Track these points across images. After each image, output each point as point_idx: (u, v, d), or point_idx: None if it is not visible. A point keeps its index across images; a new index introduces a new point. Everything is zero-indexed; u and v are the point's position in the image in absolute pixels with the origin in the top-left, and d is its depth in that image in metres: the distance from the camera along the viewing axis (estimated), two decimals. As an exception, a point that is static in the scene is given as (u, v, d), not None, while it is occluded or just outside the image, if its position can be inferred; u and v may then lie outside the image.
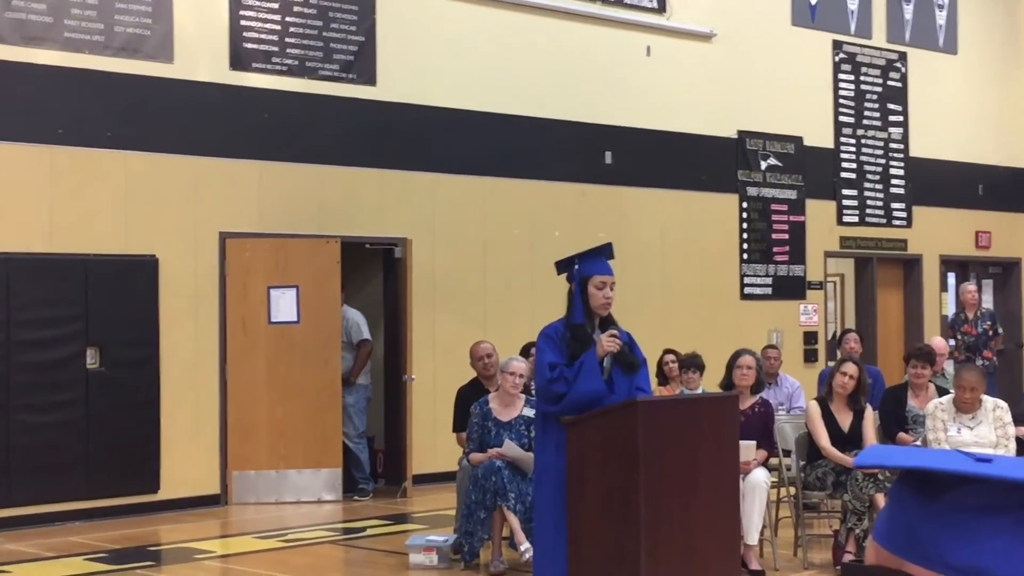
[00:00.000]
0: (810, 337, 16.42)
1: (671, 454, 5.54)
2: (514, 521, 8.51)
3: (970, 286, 15.74)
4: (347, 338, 12.41)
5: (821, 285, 16.66)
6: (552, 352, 6.01)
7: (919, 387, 9.66)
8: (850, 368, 8.93)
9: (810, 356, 16.34)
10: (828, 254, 16.77)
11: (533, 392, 9.42)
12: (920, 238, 17.78)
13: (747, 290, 15.82)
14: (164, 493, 11.43)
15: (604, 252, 6.21)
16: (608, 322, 6.10)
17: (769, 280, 16.02)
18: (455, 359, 12.62)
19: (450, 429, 10.33)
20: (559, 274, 6.25)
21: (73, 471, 10.92)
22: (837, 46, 16.92)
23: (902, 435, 9.50)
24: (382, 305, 13.26)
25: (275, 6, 12.17)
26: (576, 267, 6.11)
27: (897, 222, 17.54)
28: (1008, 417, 8.79)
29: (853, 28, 17.09)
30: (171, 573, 9.10)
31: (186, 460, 11.57)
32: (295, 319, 12.00)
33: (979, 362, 13.93)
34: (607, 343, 5.92)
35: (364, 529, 10.71)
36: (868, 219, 17.18)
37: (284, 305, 11.99)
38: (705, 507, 5.62)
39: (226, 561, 9.60)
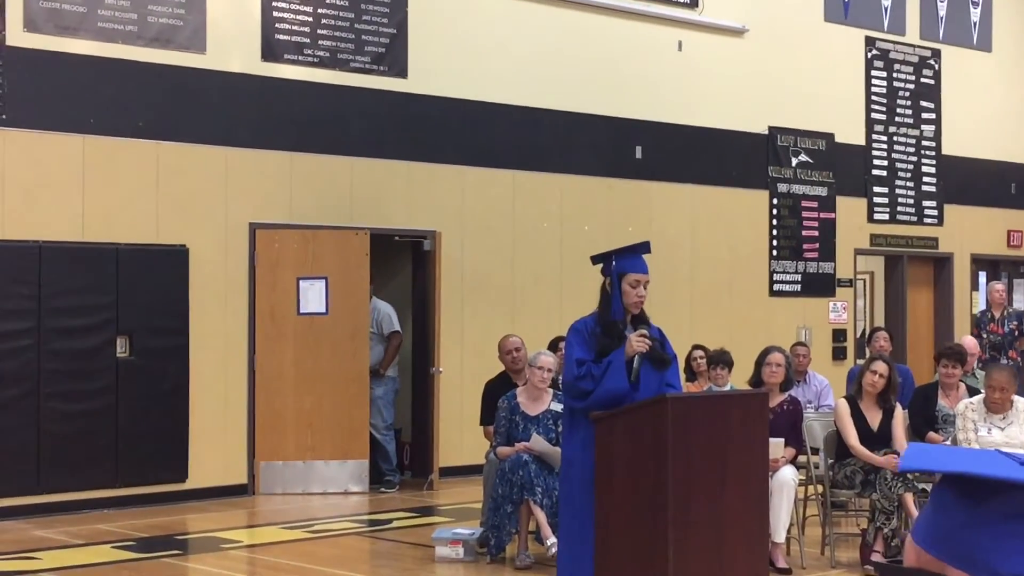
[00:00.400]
0: (839, 335, 16.36)
1: (700, 451, 5.53)
2: (541, 515, 8.51)
3: (998, 285, 15.65)
4: (377, 330, 12.43)
5: (851, 282, 16.60)
6: (581, 348, 5.99)
7: (949, 386, 9.61)
8: (880, 367, 8.89)
9: (839, 354, 16.28)
10: (858, 251, 16.70)
11: (560, 386, 9.44)
12: (951, 236, 17.69)
13: (776, 287, 15.77)
14: (192, 482, 11.48)
15: (641, 249, 6.20)
16: (640, 319, 6.09)
17: (799, 277, 15.96)
18: (483, 352, 12.63)
19: (477, 422, 10.33)
20: (595, 265, 6.23)
21: (102, 459, 10.97)
22: (870, 42, 16.83)
23: (932, 434, 9.45)
24: (410, 297, 13.27)
25: (307, -2, 12.19)
26: (613, 263, 6.09)
27: (928, 220, 17.45)
28: (1039, 418, 8.73)
29: (886, 24, 17.01)
30: (198, 562, 9.13)
31: (214, 450, 11.62)
32: (324, 310, 12.02)
33: (1004, 361, 13.85)
34: (636, 343, 5.91)
35: (390, 521, 10.73)
36: (899, 217, 17.10)
37: (313, 296, 12.01)
38: (734, 504, 5.60)
39: (253, 551, 9.62)
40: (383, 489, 12.27)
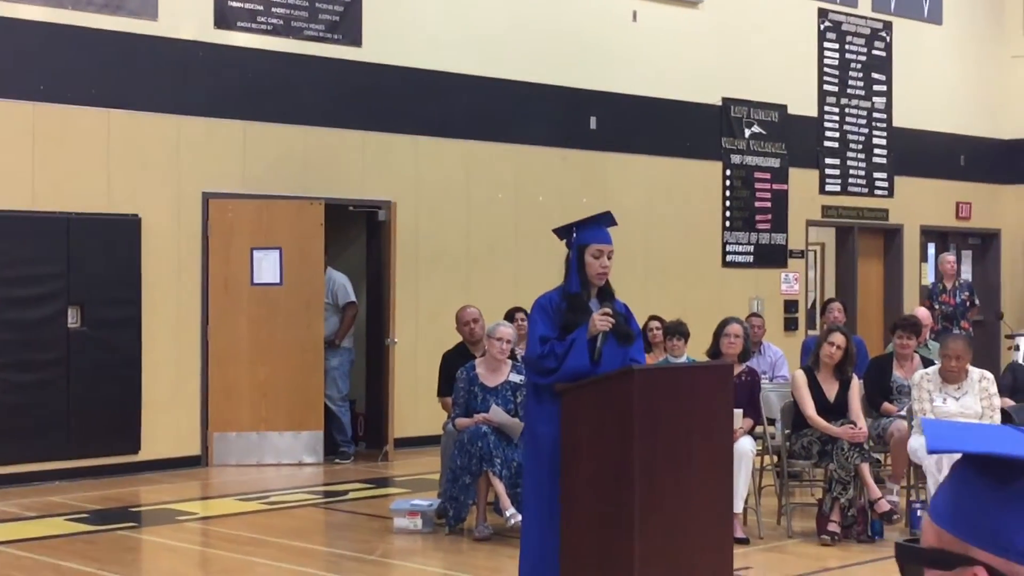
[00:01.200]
0: (790, 306, 16.45)
1: (666, 422, 5.53)
2: (500, 486, 8.50)
3: (949, 256, 15.79)
4: (332, 300, 12.37)
5: (803, 254, 16.68)
6: (544, 324, 5.94)
7: (904, 357, 9.68)
8: (838, 338, 8.93)
9: (790, 324, 16.37)
10: (810, 223, 16.78)
11: (519, 358, 9.42)
12: (901, 208, 17.80)
13: (729, 258, 15.82)
14: (145, 454, 11.39)
15: (603, 220, 6.13)
16: (606, 292, 6.05)
17: (751, 248, 16.02)
18: (438, 323, 12.60)
19: (432, 393, 10.30)
20: (560, 239, 6.18)
21: (54, 431, 10.86)
22: (823, 14, 16.88)
23: (887, 405, 9.52)
24: (365, 268, 13.20)
25: (261, -36, 12.04)
26: (574, 235, 6.04)
27: (879, 192, 17.56)
28: (994, 388, 8.81)
29: (839, -4, 17.05)
30: (153, 534, 9.06)
31: (167, 421, 11.52)
32: (278, 281, 11.94)
33: (956, 332, 13.98)
34: (600, 322, 5.87)
35: (346, 492, 10.69)
36: (850, 188, 17.20)
37: (267, 267, 11.92)
38: (699, 475, 5.61)
39: (208, 523, 9.57)
40: (338, 460, 12.23)
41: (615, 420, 5.46)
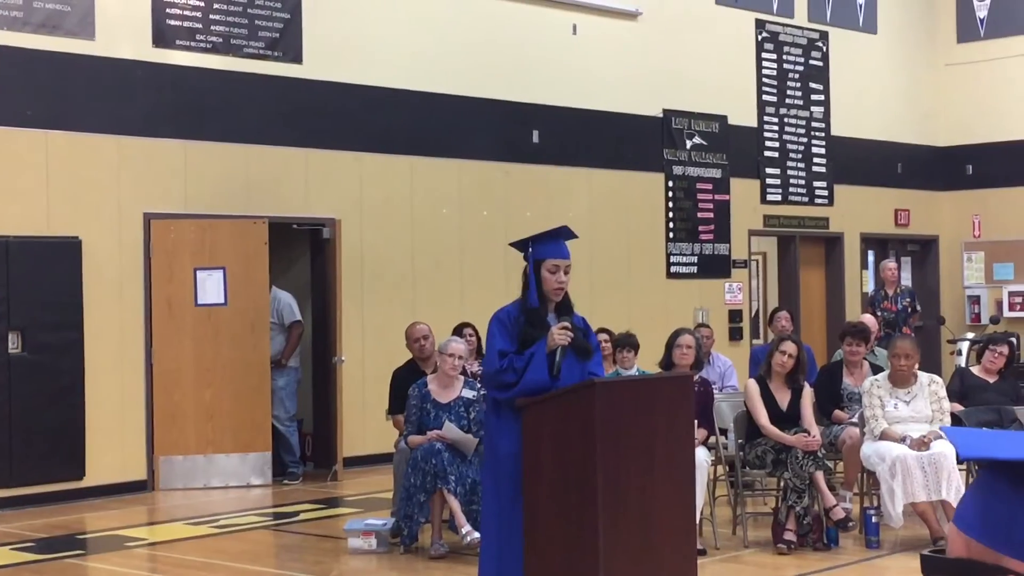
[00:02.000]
0: (735, 315, 16.50)
1: (628, 435, 5.49)
2: (455, 504, 8.43)
3: (890, 263, 15.90)
4: (278, 320, 12.25)
5: (746, 263, 16.75)
6: (503, 339, 5.89)
7: (854, 364, 9.72)
8: (789, 347, 8.95)
9: (735, 334, 16.42)
10: (752, 232, 16.86)
11: (470, 374, 9.36)
12: (841, 216, 17.93)
13: (673, 268, 15.85)
14: (90, 479, 11.21)
15: (561, 234, 6.09)
16: (565, 305, 6.01)
17: (695, 259, 16.06)
18: (384, 340, 12.53)
19: (380, 411, 10.21)
20: (519, 252, 6.13)
21: (-4, 458, 10.65)
22: (760, 25, 16.98)
23: (838, 413, 9.55)
24: (309, 286, 13.09)
25: (199, -18, 11.92)
26: (530, 249, 5.99)
27: (819, 200, 17.68)
28: (943, 392, 8.87)
29: (776, 7, 17.17)
30: (102, 562, 8.90)
31: (112, 445, 11.35)
32: (222, 301, 11.80)
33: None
34: (558, 336, 5.83)
35: (297, 514, 10.58)
36: (791, 198, 17.30)
37: (211, 287, 11.79)
38: (662, 488, 5.58)
39: (157, 549, 9.41)
40: (286, 481, 12.11)
41: (578, 433, 5.42)
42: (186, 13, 11.84)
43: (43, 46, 11.02)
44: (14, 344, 10.82)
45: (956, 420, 9.06)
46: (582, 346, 5.93)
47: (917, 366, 8.96)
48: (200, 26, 11.93)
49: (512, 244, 6.15)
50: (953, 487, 8.33)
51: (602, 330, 10.97)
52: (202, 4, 11.94)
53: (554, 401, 5.59)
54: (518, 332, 5.89)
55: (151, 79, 11.65)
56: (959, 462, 8.59)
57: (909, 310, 15.35)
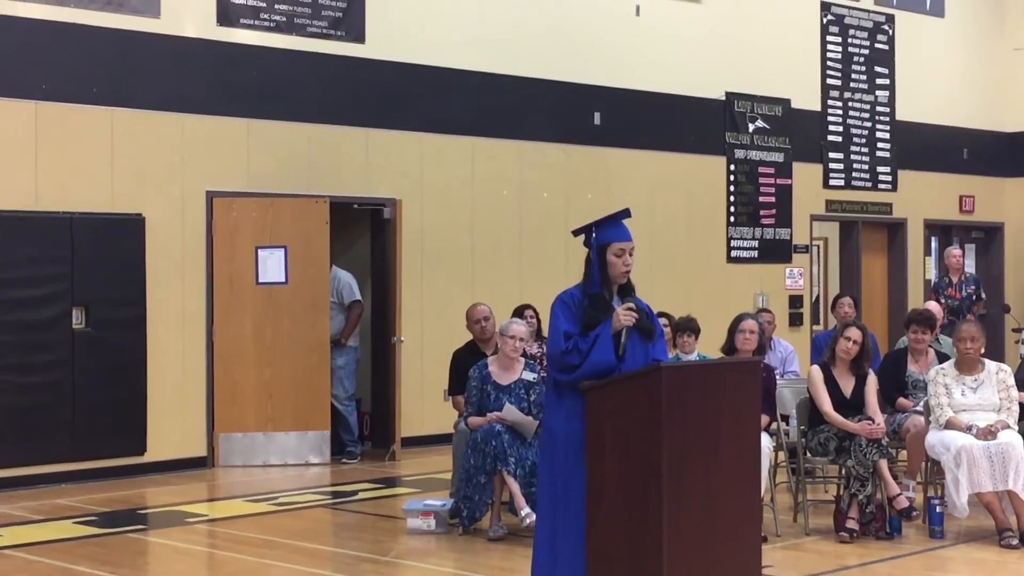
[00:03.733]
0: (795, 301, 16.37)
1: (694, 420, 5.43)
2: (514, 486, 8.40)
3: (954, 250, 15.69)
4: (338, 299, 12.27)
5: (807, 249, 16.60)
6: (567, 321, 5.85)
7: (919, 352, 9.59)
8: (854, 333, 8.84)
9: (795, 320, 16.29)
10: (814, 217, 16.70)
11: (531, 357, 9.33)
12: (905, 202, 17.74)
13: (734, 253, 15.74)
14: (150, 455, 11.29)
15: (622, 217, 6.03)
16: (627, 289, 5.95)
17: (756, 243, 15.94)
18: (443, 321, 12.54)
19: (438, 392, 10.20)
20: (576, 236, 6.07)
21: (59, 433, 10.76)
22: (825, 8, 16.79)
23: (902, 400, 9.44)
24: (369, 266, 13.09)
25: (263, -39, 11.94)
26: (593, 234, 5.93)
27: (882, 186, 17.49)
28: (1011, 380, 8.73)
29: (841, -10, 16.99)
30: (164, 537, 8.95)
31: (173, 422, 11.43)
32: (283, 280, 11.83)
33: (965, 321, 13.87)
34: (624, 316, 5.78)
35: (355, 492, 10.59)
36: (854, 183, 17.13)
37: (272, 265, 11.82)
38: (727, 473, 5.52)
39: (217, 525, 9.45)
40: (344, 460, 12.14)
41: (643, 417, 5.37)
42: (250, -8, 11.86)
43: (108, 24, 11.08)
44: (78, 320, 10.90)
45: (1024, 409, 8.92)
46: (646, 327, 5.88)
47: (983, 351, 8.82)
48: (264, 5, 11.95)
49: (575, 231, 6.09)
50: (1021, 478, 8.20)
51: (662, 314, 10.87)
52: (266, -17, 11.95)
53: (619, 385, 5.54)
54: (582, 315, 5.85)
55: (215, 57, 11.69)
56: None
57: (974, 297, 15.15)
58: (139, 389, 11.20)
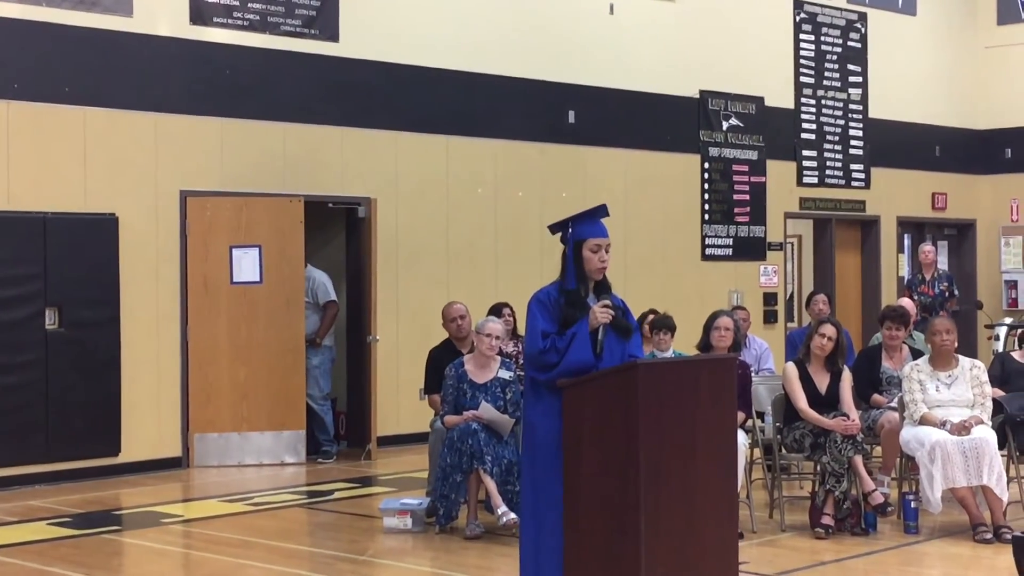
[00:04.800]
0: (770, 298, 16.42)
1: (670, 417, 5.44)
2: (491, 484, 8.41)
3: (927, 247, 15.76)
4: (313, 299, 12.24)
5: (781, 246, 16.65)
6: (544, 319, 5.84)
7: (893, 348, 9.63)
8: (829, 330, 8.88)
9: (769, 317, 16.34)
10: (788, 215, 16.76)
11: (507, 354, 9.33)
12: (878, 199, 17.82)
13: (708, 251, 15.78)
14: (125, 456, 11.24)
15: (599, 213, 6.03)
16: (603, 286, 5.95)
17: (730, 241, 15.98)
18: (418, 320, 12.53)
19: (413, 391, 10.18)
20: (553, 234, 6.07)
21: (33, 434, 10.71)
22: (798, 5, 16.85)
23: (877, 397, 9.47)
24: (345, 265, 13.07)
25: (236, -41, 11.91)
26: (569, 230, 5.92)
27: (856, 183, 17.56)
28: (985, 377, 8.77)
29: (814, -12, 17.05)
30: (139, 538, 8.92)
31: (147, 422, 11.39)
32: (258, 279, 11.81)
33: (937, 318, 13.92)
34: (600, 314, 5.78)
35: (331, 492, 10.57)
36: (827, 180, 17.19)
37: (246, 265, 11.79)
38: (705, 470, 5.53)
39: (193, 525, 9.42)
40: (320, 460, 12.12)
41: (619, 415, 5.38)
42: (223, -10, 11.82)
43: (81, 22, 11.03)
44: (51, 320, 10.85)
45: (997, 405, 8.97)
46: (623, 325, 5.88)
47: (956, 345, 8.86)
48: (237, 3, 11.91)
49: (551, 227, 6.09)
50: (995, 473, 8.25)
51: (652, 312, 10.81)
52: (239, -19, 11.92)
53: (595, 382, 5.55)
54: (559, 313, 5.85)
55: (188, 56, 11.65)
56: (1000, 447, 8.51)
57: (947, 294, 15.22)
58: (113, 389, 11.15)
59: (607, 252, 5.96)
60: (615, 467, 5.40)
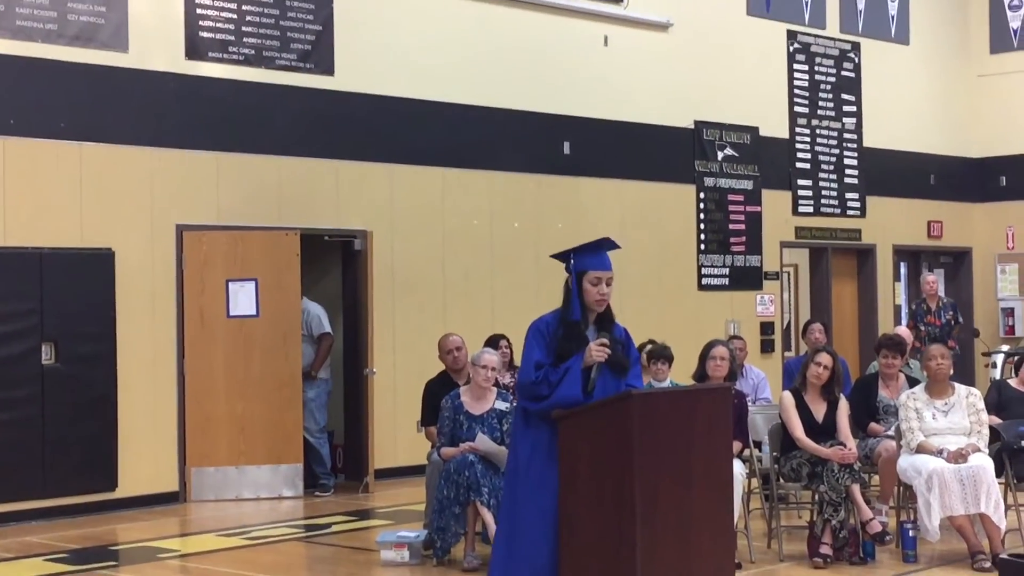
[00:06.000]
0: (767, 327, 16.42)
1: (666, 447, 5.45)
2: (488, 516, 8.38)
3: (930, 276, 15.78)
4: (308, 332, 12.24)
5: (777, 275, 16.67)
6: (540, 350, 5.84)
7: (890, 377, 9.63)
8: (824, 358, 8.88)
9: (766, 346, 16.34)
10: (784, 244, 16.78)
11: (503, 386, 9.33)
12: (874, 228, 17.85)
13: (705, 280, 15.79)
14: (122, 491, 11.21)
15: (603, 246, 6.04)
16: (605, 318, 5.96)
17: (726, 271, 16.00)
18: (415, 352, 12.53)
19: (411, 423, 10.16)
20: (560, 262, 6.08)
21: (29, 469, 10.68)
22: (792, 36, 16.93)
23: (874, 425, 9.47)
24: (341, 298, 13.07)
25: (231, -6, 11.96)
26: (571, 261, 5.94)
27: (851, 212, 17.60)
28: (981, 404, 8.78)
29: (807, 18, 17.12)
30: (135, 572, 8.89)
31: (144, 457, 11.36)
32: (254, 312, 11.81)
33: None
34: (596, 352, 5.77)
35: (329, 526, 10.55)
36: (823, 209, 17.23)
37: (243, 298, 11.79)
38: (700, 500, 5.53)
39: (189, 560, 9.40)
40: (317, 493, 12.09)
41: (615, 445, 5.38)
42: (219, 25, 11.87)
43: (77, 58, 11.07)
44: (47, 355, 10.84)
45: (994, 433, 8.96)
46: (619, 362, 5.88)
47: (952, 372, 8.87)
48: (233, 38, 11.96)
49: (554, 256, 6.10)
50: (992, 500, 8.24)
51: (651, 342, 10.78)
52: (235, 16, 11.97)
53: (591, 413, 5.56)
54: (555, 344, 5.85)
55: (184, 91, 11.68)
56: (998, 475, 8.50)
57: (952, 323, 15.22)
58: (110, 424, 11.13)
59: (608, 285, 5.97)
60: (611, 497, 5.40)
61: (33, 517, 10.66)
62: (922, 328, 14.20)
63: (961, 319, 15.49)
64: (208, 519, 10.95)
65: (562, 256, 6.02)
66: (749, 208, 16.26)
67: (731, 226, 16.04)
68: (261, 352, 11.80)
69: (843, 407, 8.88)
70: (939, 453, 8.42)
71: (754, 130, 16.31)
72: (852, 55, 17.64)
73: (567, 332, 5.84)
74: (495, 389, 8.87)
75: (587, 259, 5.94)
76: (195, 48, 11.75)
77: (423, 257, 13.20)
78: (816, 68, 17.17)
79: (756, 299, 16.33)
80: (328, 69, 12.57)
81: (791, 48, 16.90)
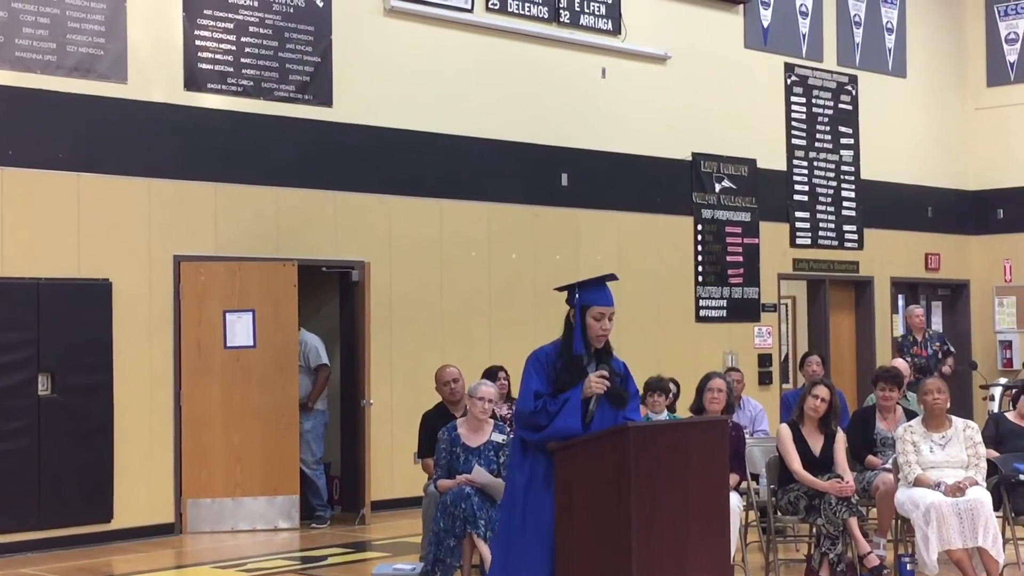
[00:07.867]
0: (764, 360, 16.41)
1: (662, 479, 5.44)
2: (484, 548, 8.35)
3: (916, 309, 15.78)
4: (305, 363, 12.22)
5: (775, 307, 16.67)
6: (539, 379, 5.86)
7: (887, 409, 9.63)
8: (822, 391, 8.88)
9: (764, 378, 16.33)
10: (781, 276, 16.79)
11: (500, 418, 9.31)
12: (871, 260, 17.86)
13: (702, 312, 15.79)
14: (118, 522, 11.17)
15: (607, 280, 6.08)
16: (604, 351, 5.97)
17: (724, 303, 16.00)
18: (412, 383, 12.50)
19: (407, 454, 10.14)
20: (565, 294, 6.09)
21: (25, 501, 10.64)
22: (789, 69, 16.98)
23: (871, 458, 9.45)
24: (338, 329, 13.06)
25: (230, 26, 11.99)
26: (576, 296, 5.96)
27: (849, 244, 17.62)
28: (978, 437, 8.77)
29: (804, 51, 17.18)
30: (130, 605, 8.86)
31: (140, 488, 11.32)
32: (251, 343, 11.80)
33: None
34: (595, 384, 5.79)
35: (325, 558, 10.51)
36: (820, 241, 17.25)
37: (240, 329, 11.78)
38: (697, 532, 5.52)
39: (185, 592, 9.37)
40: (314, 525, 12.05)
41: (611, 478, 5.37)
42: (217, 57, 11.90)
43: (75, 89, 11.09)
44: (44, 386, 10.82)
45: (992, 466, 8.95)
46: (618, 394, 5.88)
47: (949, 404, 8.87)
48: (231, 70, 11.99)
49: (557, 289, 6.12)
50: (990, 534, 8.22)
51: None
52: (233, 48, 12.00)
53: (588, 445, 5.55)
54: (554, 375, 5.86)
55: (182, 122, 11.70)
56: (995, 508, 8.48)
57: (939, 355, 15.23)
58: (106, 455, 11.10)
59: (610, 321, 6.01)
60: (607, 529, 5.38)
61: (29, 548, 10.61)
62: (908, 359, 14.18)
63: (952, 348, 15.49)
64: (204, 551, 10.91)
65: (566, 289, 6.04)
66: (747, 240, 16.27)
67: (729, 258, 16.05)
68: (258, 383, 11.78)
69: (840, 440, 8.88)
70: (937, 486, 8.41)
71: (752, 162, 16.35)
72: (849, 88, 17.70)
73: (567, 364, 5.85)
74: (492, 421, 8.85)
75: (591, 294, 5.96)
76: (194, 79, 11.78)
77: (421, 288, 13.20)
78: (814, 101, 17.22)
79: (754, 331, 16.32)
80: (326, 100, 12.60)
81: (789, 81, 16.96)
